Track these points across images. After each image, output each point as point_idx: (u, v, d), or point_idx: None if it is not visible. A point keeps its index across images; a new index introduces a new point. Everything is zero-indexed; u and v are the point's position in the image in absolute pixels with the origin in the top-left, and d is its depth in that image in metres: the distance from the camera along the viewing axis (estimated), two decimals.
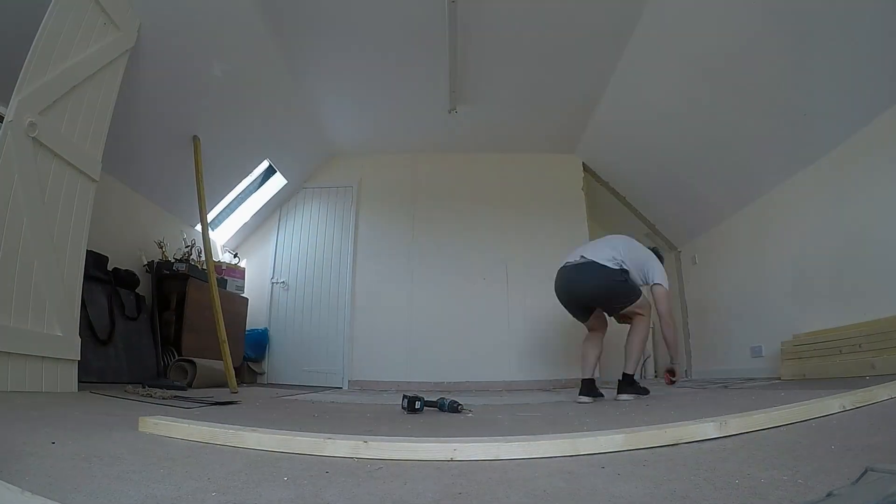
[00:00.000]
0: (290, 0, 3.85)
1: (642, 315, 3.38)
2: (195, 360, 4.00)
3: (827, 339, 3.55)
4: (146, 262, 4.42)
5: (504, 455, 1.24)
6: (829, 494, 0.67)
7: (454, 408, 2.52)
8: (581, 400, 3.22)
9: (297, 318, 5.88)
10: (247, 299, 5.64)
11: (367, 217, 6.05)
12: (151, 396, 2.72)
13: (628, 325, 3.47)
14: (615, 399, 3.22)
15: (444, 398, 2.59)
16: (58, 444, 1.29)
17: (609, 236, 3.75)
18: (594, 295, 3.44)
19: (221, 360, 3.88)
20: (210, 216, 5.58)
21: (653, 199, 6.14)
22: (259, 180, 5.92)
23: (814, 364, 3.57)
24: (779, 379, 3.89)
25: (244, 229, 6.15)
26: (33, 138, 2.46)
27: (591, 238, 5.91)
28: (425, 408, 2.55)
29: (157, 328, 4.17)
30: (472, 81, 4.80)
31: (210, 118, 4.49)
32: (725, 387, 3.71)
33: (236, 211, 5.94)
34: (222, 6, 3.72)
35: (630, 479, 1.02)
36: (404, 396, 2.57)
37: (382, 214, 6.07)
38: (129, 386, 3.06)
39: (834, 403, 1.61)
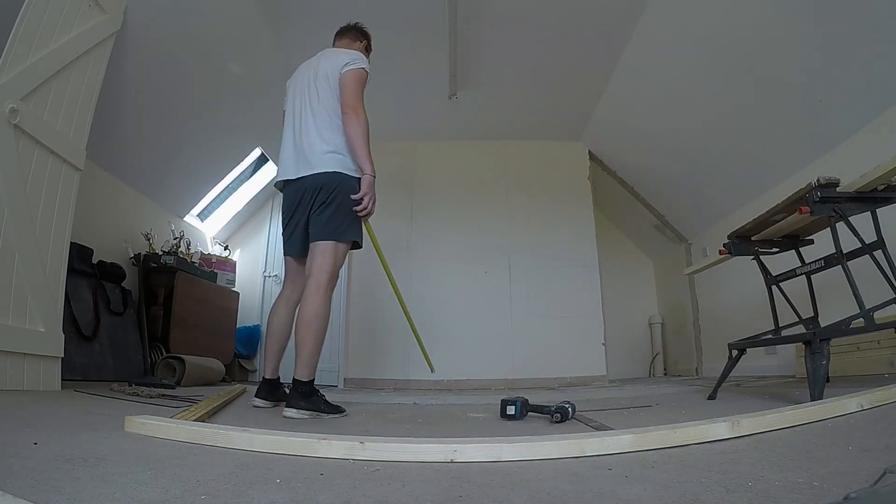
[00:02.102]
0: None
1: None
2: (184, 357, 4.01)
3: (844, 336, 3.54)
4: (133, 255, 4.42)
5: (506, 456, 1.24)
6: (846, 497, 0.66)
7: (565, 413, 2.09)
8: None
9: None
10: (238, 293, 5.65)
11: None
12: (138, 395, 2.73)
13: None
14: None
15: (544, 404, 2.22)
16: (40, 444, 1.29)
17: None
18: None
19: (211, 357, 3.88)
20: (200, 206, 5.58)
21: (662, 188, 6.12)
22: (251, 169, 5.91)
23: (830, 361, 3.56)
24: (793, 377, 3.89)
25: (235, 220, 6.15)
26: (14, 125, 2.45)
27: (598, 231, 5.91)
28: (529, 414, 2.23)
29: (144, 324, 4.18)
30: (474, 65, 4.78)
31: (200, 104, 4.47)
32: (738, 385, 3.72)
33: (227, 201, 5.93)
34: None
35: (638, 482, 1.02)
36: (505, 403, 2.22)
37: (379, 204, 5.95)
38: (115, 384, 3.07)
39: (851, 403, 1.61)
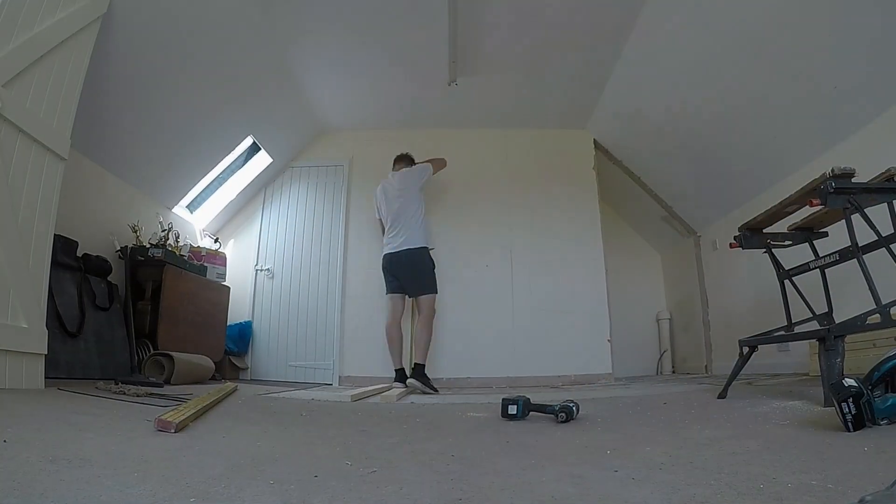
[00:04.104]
0: None
1: None
2: (173, 354, 4.00)
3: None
4: (119, 248, 4.40)
5: None
6: (861, 500, 0.66)
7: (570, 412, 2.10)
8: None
9: (284, 309, 5.88)
10: (228, 288, 5.63)
11: (360, 198, 6.01)
12: (125, 394, 2.72)
13: None
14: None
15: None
16: (23, 444, 1.29)
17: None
18: None
19: (201, 353, 3.87)
20: (189, 197, 5.56)
21: (670, 179, 6.11)
22: (242, 158, 5.89)
23: (845, 359, 3.56)
24: (807, 375, 3.89)
25: (226, 212, 6.12)
26: None
27: (603, 223, 5.90)
28: (531, 413, 2.23)
29: (131, 319, 4.16)
30: (474, 51, 4.75)
31: (189, 90, 4.44)
32: (749, 383, 3.72)
33: (217, 192, 5.91)
34: None
35: (645, 484, 1.02)
36: (506, 402, 2.25)
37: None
38: (101, 382, 3.06)
39: None
